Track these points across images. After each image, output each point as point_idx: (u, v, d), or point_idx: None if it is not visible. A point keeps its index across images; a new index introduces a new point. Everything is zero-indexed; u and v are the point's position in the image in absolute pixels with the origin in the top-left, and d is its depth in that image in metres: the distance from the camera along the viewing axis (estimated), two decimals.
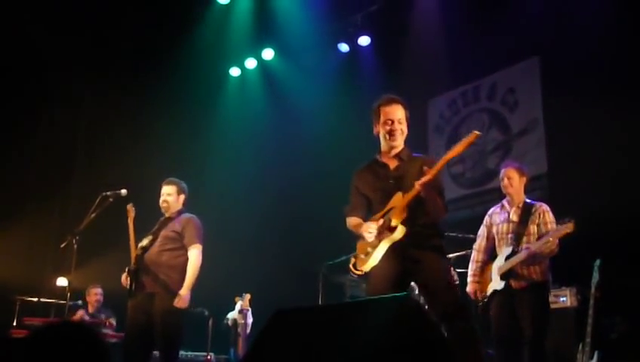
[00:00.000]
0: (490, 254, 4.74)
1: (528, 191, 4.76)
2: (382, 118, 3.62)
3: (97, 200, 5.16)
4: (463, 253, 5.31)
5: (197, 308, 6.83)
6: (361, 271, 3.54)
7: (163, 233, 4.96)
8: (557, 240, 4.34)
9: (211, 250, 5.07)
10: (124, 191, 5.18)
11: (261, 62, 9.29)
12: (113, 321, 6.91)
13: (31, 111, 8.47)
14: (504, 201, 4.76)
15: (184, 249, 4.91)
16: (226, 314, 7.64)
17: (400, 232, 3.41)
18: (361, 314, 2.23)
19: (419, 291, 3.85)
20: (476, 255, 4.80)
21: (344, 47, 8.73)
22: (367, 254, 3.50)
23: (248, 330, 7.36)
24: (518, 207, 4.63)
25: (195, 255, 4.86)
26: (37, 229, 8.41)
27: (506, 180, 4.67)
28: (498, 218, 4.72)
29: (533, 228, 4.52)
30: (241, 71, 9.48)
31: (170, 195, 5.07)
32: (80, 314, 6.96)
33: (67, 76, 8.49)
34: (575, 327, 5.05)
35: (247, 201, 8.82)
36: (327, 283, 6.56)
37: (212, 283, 7.15)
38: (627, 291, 5.07)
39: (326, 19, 8.39)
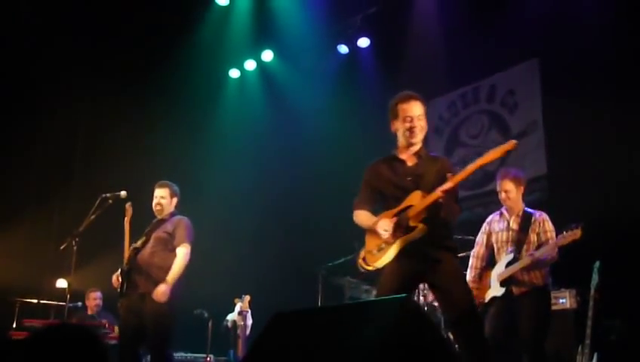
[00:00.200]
0: (489, 261, 4.74)
1: (528, 193, 4.76)
2: (400, 115, 3.58)
3: (97, 201, 5.20)
4: (463, 254, 5.29)
5: (197, 309, 6.86)
6: (373, 266, 3.47)
7: (155, 234, 4.99)
8: (556, 247, 4.34)
9: (211, 252, 5.08)
10: (123, 193, 5.21)
11: (260, 64, 9.28)
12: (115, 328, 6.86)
13: (30, 113, 8.46)
14: (503, 210, 4.75)
15: (175, 250, 4.94)
16: (226, 315, 7.62)
17: (419, 231, 3.37)
18: (361, 315, 2.23)
19: (432, 292, 3.81)
20: (474, 262, 4.80)
21: (343, 49, 8.73)
22: (381, 250, 3.43)
23: (248, 332, 7.33)
24: (517, 215, 4.63)
25: (182, 253, 4.90)
26: (36, 231, 8.39)
27: (503, 194, 4.65)
28: (497, 226, 4.72)
29: (533, 237, 4.52)
30: (241, 72, 9.47)
31: (163, 198, 5.11)
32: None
33: (67, 78, 8.48)
34: (574, 329, 5.05)
35: (247, 203, 8.80)
36: (327, 284, 6.57)
37: (212, 284, 7.18)
38: (627, 293, 5.07)
39: (325, 20, 8.38)
